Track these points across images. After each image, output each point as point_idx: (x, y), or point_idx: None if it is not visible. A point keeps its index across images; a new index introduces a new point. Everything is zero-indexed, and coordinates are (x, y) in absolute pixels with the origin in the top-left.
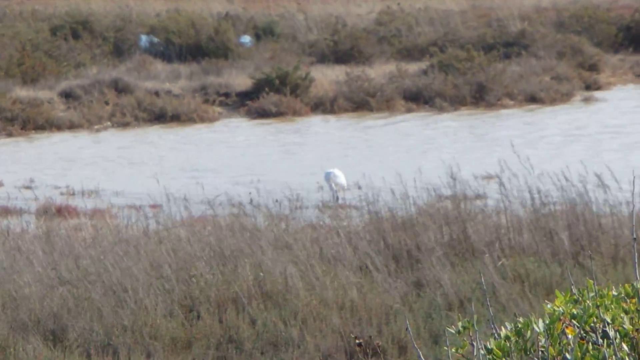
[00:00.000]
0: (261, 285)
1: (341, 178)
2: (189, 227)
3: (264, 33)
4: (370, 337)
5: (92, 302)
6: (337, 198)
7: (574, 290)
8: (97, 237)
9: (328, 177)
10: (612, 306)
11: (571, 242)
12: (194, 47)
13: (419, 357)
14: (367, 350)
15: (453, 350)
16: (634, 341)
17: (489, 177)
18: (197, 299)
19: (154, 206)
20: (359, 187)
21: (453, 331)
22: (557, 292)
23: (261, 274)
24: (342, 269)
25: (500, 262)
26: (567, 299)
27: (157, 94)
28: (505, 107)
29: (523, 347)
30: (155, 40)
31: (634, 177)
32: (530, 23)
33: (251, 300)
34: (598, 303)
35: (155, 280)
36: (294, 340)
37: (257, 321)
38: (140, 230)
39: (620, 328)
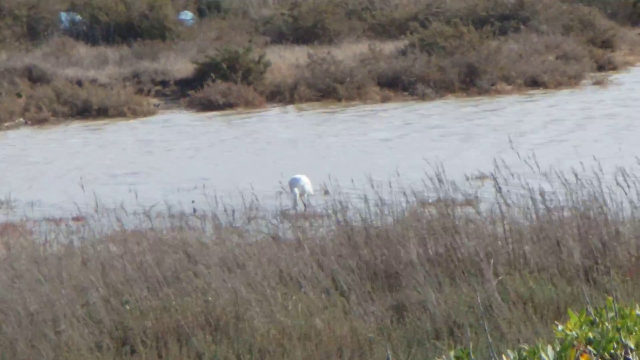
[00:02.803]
0: (209, 312)
1: (308, 185)
2: (121, 244)
3: (208, 8)
4: None
5: (4, 335)
6: (305, 205)
7: (590, 310)
8: (9, 257)
9: (295, 184)
10: (636, 328)
11: (583, 255)
12: (124, 27)
13: None
14: None
15: None
16: None
17: (482, 178)
18: (131, 330)
19: (77, 219)
20: (326, 193)
21: None
22: (569, 311)
23: (209, 299)
24: (307, 292)
25: (497, 280)
26: (582, 320)
27: (79, 83)
28: (501, 93)
29: None
30: (78, 18)
31: None
32: None
33: (196, 330)
34: (619, 325)
35: (80, 308)
36: None
37: (204, 356)
38: (62, 248)
39: None
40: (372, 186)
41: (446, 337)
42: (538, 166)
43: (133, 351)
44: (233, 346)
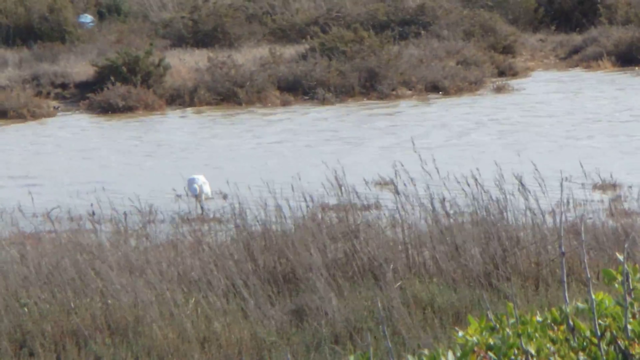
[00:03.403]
0: (107, 315)
1: (206, 186)
2: (20, 247)
3: (108, 11)
4: None
5: None
6: (202, 208)
7: (490, 316)
8: None
9: (192, 184)
10: (537, 335)
11: (483, 260)
12: (23, 29)
13: None
14: None
15: None
16: None
17: (382, 184)
18: (30, 332)
19: None
20: (225, 197)
21: None
22: (470, 317)
23: (109, 301)
24: (206, 295)
25: (397, 285)
26: (483, 326)
27: None
28: (401, 98)
29: None
30: None
31: (562, 179)
32: None
33: (95, 333)
34: (520, 331)
35: None
36: None
37: (103, 359)
38: None
39: None
40: (269, 191)
41: (346, 341)
42: (438, 171)
43: (31, 354)
44: (131, 349)
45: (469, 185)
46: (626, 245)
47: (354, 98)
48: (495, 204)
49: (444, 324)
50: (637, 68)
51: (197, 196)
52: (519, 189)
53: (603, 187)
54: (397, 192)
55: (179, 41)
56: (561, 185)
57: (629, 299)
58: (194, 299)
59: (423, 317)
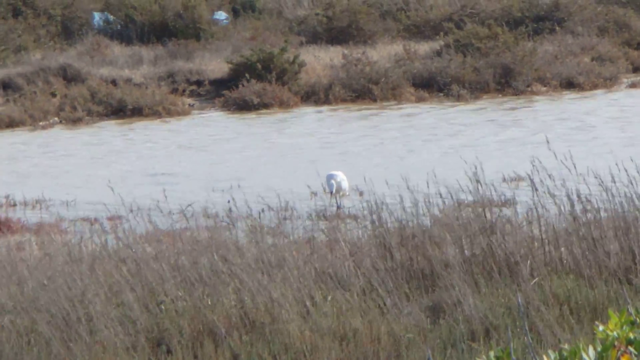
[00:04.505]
0: (244, 313)
1: (345, 182)
2: (156, 244)
3: (242, 8)
4: None
5: (39, 335)
6: (339, 205)
7: (631, 310)
8: (44, 256)
9: (330, 180)
10: None
11: (620, 256)
12: (158, 26)
13: None
14: None
15: None
16: None
17: (518, 179)
18: (167, 330)
19: (112, 218)
20: (361, 194)
21: None
22: (610, 312)
23: (246, 299)
24: (343, 292)
25: (533, 282)
26: (623, 320)
27: (114, 83)
28: (536, 94)
29: None
30: (112, 18)
31: None
32: None
33: (232, 331)
34: None
35: (114, 308)
36: None
37: (240, 356)
38: (97, 247)
39: None
40: (407, 187)
41: (481, 338)
42: (575, 167)
43: (169, 352)
44: (269, 347)
45: (603, 182)
46: None
47: (488, 94)
48: (631, 199)
49: (581, 320)
50: None
51: (333, 192)
52: None
53: None
54: (534, 188)
55: (314, 38)
56: None
57: None
58: (330, 296)
59: (560, 313)
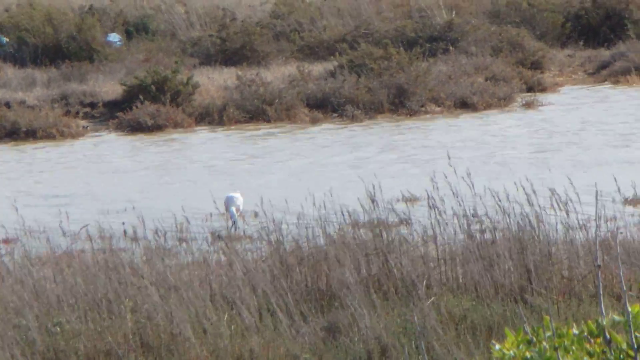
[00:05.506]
0: (141, 334)
1: (241, 204)
2: (53, 266)
3: (136, 30)
4: None
5: None
6: (236, 227)
7: (527, 329)
8: None
9: (230, 202)
10: (573, 347)
11: (516, 275)
12: (52, 48)
13: None
14: None
15: None
16: None
17: (413, 200)
18: (63, 352)
19: (7, 241)
20: (257, 215)
21: None
22: (506, 330)
23: (142, 320)
24: (240, 313)
25: (429, 301)
26: (519, 339)
27: (7, 105)
28: (430, 114)
29: None
30: (4, 40)
31: (597, 191)
32: (458, 13)
33: (129, 353)
34: (556, 344)
35: (11, 330)
36: None
37: None
38: None
39: None
40: (302, 207)
41: (378, 358)
42: (472, 186)
43: None
44: None
45: (500, 201)
46: None
47: (383, 115)
48: (527, 219)
49: (477, 339)
50: None
51: (235, 221)
52: (550, 204)
53: (634, 201)
54: (434, 207)
55: (207, 59)
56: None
57: None
58: (226, 316)
59: (456, 333)
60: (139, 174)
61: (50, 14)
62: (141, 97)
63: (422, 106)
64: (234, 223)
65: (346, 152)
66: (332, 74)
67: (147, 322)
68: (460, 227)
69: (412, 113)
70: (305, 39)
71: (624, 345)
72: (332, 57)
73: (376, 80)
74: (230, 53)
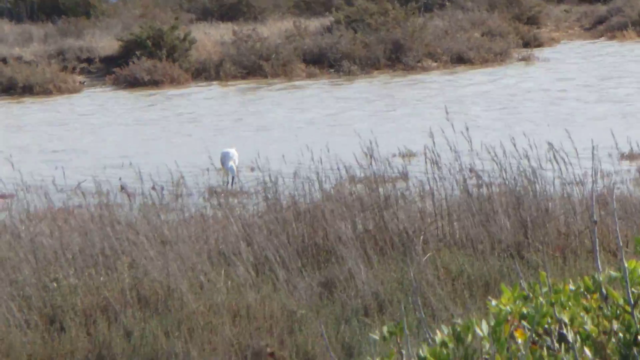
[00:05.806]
0: (138, 289)
1: (237, 160)
2: (49, 221)
3: None
4: (267, 346)
5: None
6: (233, 183)
7: (523, 285)
8: None
9: (227, 158)
10: (570, 303)
11: (513, 231)
12: (48, 4)
13: None
14: None
15: None
16: (598, 345)
17: (410, 155)
18: (60, 307)
19: (4, 196)
20: (253, 170)
21: (377, 337)
22: (503, 286)
23: (138, 276)
24: (236, 268)
25: (426, 257)
26: (516, 295)
27: (4, 60)
28: (427, 70)
29: (464, 354)
30: None
31: (594, 147)
32: None
33: (125, 307)
34: (553, 300)
35: (8, 285)
36: (177, 355)
37: (133, 333)
38: None
39: (580, 329)
40: (299, 163)
41: (375, 313)
42: (470, 142)
43: (62, 329)
44: (162, 323)
45: (497, 156)
46: None
47: (379, 70)
48: (523, 175)
49: (474, 294)
50: None
51: (235, 177)
52: (547, 159)
53: (631, 156)
54: (433, 162)
55: (204, 15)
56: (592, 153)
57: None
58: (223, 271)
59: (453, 288)
60: (135, 128)
61: None
62: (138, 53)
63: (419, 61)
64: (233, 178)
65: (344, 108)
66: (329, 30)
67: (144, 278)
68: (456, 182)
69: (408, 68)
70: None
71: (621, 301)
72: (328, 12)
73: (373, 36)
74: (226, 8)
